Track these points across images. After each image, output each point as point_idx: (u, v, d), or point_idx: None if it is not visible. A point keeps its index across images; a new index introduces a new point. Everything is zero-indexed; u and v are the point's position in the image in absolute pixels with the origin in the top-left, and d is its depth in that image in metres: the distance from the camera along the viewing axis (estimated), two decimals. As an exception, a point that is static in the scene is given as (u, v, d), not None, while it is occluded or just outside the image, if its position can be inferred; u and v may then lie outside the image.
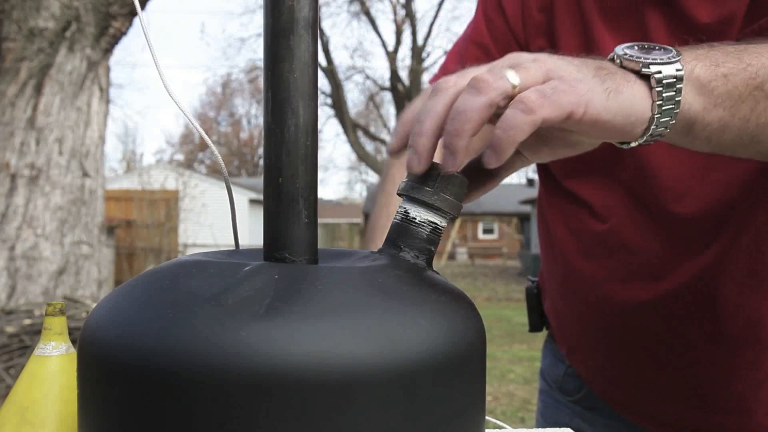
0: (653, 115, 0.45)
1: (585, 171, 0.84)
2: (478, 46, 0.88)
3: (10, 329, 3.50)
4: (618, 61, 0.47)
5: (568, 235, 0.88)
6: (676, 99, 0.46)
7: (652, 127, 0.46)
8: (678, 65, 0.46)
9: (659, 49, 0.47)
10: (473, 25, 0.92)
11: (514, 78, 0.41)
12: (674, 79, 0.45)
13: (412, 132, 0.43)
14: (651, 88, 0.45)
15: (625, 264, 0.82)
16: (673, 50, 0.48)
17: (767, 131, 0.51)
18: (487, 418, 0.44)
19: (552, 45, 0.84)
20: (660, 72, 0.45)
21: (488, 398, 4.23)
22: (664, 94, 0.45)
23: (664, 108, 0.45)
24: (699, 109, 0.48)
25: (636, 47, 0.48)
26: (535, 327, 1.01)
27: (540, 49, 0.82)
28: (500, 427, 0.70)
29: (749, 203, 0.72)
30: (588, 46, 0.80)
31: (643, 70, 0.46)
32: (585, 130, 0.44)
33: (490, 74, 0.41)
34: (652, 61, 0.46)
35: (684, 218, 0.76)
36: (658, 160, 0.76)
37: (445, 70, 0.89)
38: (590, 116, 0.42)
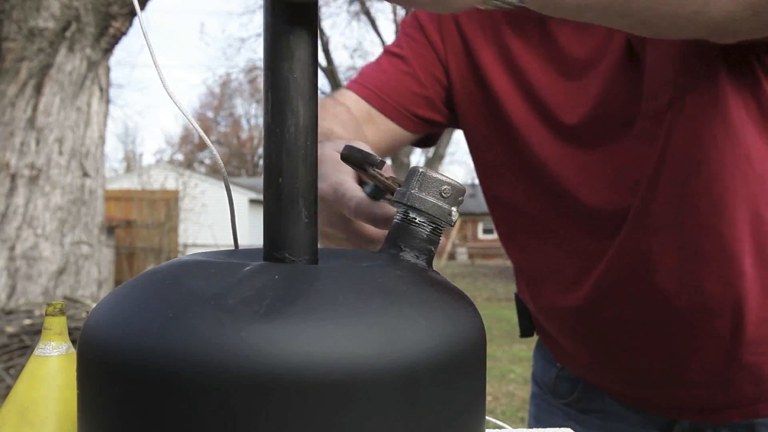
0: None
1: (499, 171, 0.89)
2: (395, 55, 0.92)
3: (10, 329, 3.50)
4: None
5: (507, 236, 0.93)
6: None
7: None
8: None
9: None
10: (393, 42, 0.97)
11: None
12: None
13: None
14: None
15: (559, 253, 0.85)
16: None
17: None
18: (487, 418, 0.44)
19: (468, 53, 0.88)
20: None
21: (488, 398, 4.23)
22: None
23: None
24: None
25: None
26: (525, 332, 1.02)
27: (457, 58, 0.89)
28: (500, 427, 0.70)
29: (647, 189, 0.75)
30: (502, 52, 0.85)
31: None
32: None
33: None
34: None
35: (592, 208, 0.80)
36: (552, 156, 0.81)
37: (363, 75, 0.93)
38: None
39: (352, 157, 0.54)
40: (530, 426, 1.01)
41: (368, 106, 0.88)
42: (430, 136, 0.99)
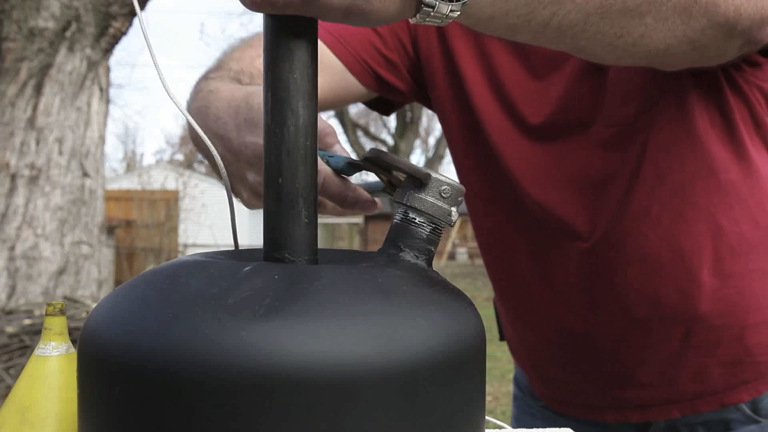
0: None
1: (462, 160, 0.90)
2: None
3: (10, 329, 3.50)
4: None
5: (481, 234, 0.95)
6: None
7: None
8: None
9: None
10: None
11: None
12: None
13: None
14: None
15: (517, 251, 0.86)
16: None
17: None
18: (487, 418, 0.44)
19: (441, 34, 0.86)
20: None
21: (488, 398, 4.23)
22: None
23: None
24: None
25: None
26: (503, 335, 1.03)
27: (428, 35, 0.86)
28: (500, 427, 0.70)
29: (602, 203, 0.76)
30: (476, 41, 0.83)
31: None
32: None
33: None
34: None
35: (539, 204, 0.80)
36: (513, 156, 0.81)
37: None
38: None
39: (386, 164, 0.45)
40: (513, 427, 1.02)
41: (324, 52, 0.80)
42: (388, 103, 0.94)
